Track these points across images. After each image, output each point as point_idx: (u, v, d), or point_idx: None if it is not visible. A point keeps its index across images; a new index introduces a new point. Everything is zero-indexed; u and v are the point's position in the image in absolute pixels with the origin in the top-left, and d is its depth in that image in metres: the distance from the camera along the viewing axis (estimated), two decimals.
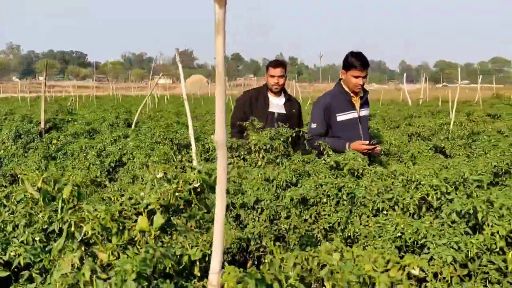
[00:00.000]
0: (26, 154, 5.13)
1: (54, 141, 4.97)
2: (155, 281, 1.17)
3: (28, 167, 4.41)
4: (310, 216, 2.55)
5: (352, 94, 3.79)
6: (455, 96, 7.78)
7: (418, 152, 5.17)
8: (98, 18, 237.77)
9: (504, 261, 1.96)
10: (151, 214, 1.27)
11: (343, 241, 2.36)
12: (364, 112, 3.88)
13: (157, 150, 3.97)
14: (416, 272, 0.95)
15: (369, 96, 4.06)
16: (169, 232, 1.28)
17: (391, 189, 2.39)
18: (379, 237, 2.18)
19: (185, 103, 3.65)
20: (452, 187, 2.34)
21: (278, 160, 3.17)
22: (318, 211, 2.56)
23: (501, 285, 1.90)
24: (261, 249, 2.63)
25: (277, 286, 1.08)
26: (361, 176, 2.88)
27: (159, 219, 1.21)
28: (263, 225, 2.70)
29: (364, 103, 3.90)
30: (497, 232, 1.90)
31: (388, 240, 2.12)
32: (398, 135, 6.34)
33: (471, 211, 1.97)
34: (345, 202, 2.54)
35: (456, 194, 2.26)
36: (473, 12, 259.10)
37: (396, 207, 2.35)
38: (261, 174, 2.94)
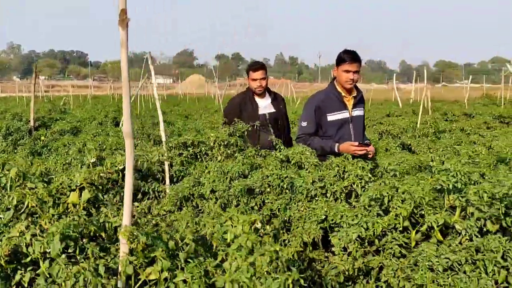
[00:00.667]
0: (15, 150, 5.44)
1: (42, 138, 5.28)
2: (81, 242, 1.48)
3: (16, 161, 4.71)
4: (256, 204, 2.87)
5: (344, 94, 3.74)
6: (432, 95, 8.07)
7: (386, 149, 5.48)
8: (98, 18, 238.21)
9: (409, 238, 2.27)
10: (82, 190, 1.58)
11: (282, 223, 2.67)
12: (357, 112, 3.80)
13: (139, 145, 4.26)
14: (258, 226, 1.26)
15: (365, 95, 4.01)
16: (96, 205, 1.60)
17: (324, 179, 2.70)
18: (309, 219, 2.49)
19: (156, 103, 3.95)
20: (376, 177, 2.65)
21: (236, 155, 3.47)
22: (263, 199, 2.87)
23: (406, 258, 2.21)
24: (212, 233, 2.94)
25: (172, 243, 1.39)
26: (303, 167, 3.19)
27: (86, 194, 1.52)
28: (216, 213, 3.01)
29: (358, 103, 3.82)
30: (400, 213, 2.22)
31: (315, 222, 2.43)
32: (371, 133, 6.65)
33: (380, 196, 2.28)
34: (287, 191, 2.85)
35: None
36: (474, 12, 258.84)
37: (328, 194, 2.66)
38: (217, 167, 3.25)
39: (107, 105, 13.52)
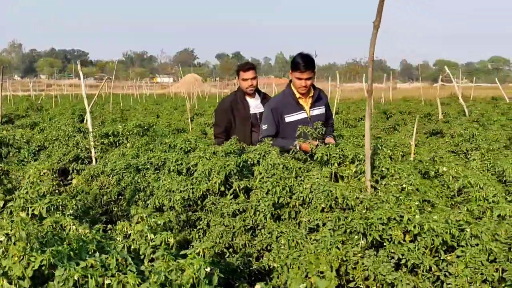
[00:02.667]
0: None
1: (4, 132, 6.21)
2: None
3: None
4: (139, 178, 3.77)
5: (299, 96, 3.81)
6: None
7: None
8: (98, 17, 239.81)
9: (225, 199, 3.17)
10: None
11: (151, 192, 3.56)
12: (316, 111, 3.87)
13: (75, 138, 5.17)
14: (44, 171, 2.16)
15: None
16: None
17: (181, 159, 3.60)
18: (162, 188, 3.37)
19: (84, 101, 4.86)
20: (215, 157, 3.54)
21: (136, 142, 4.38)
22: (144, 174, 3.78)
23: (222, 213, 3.08)
24: (110, 201, 3.85)
25: (9, 185, 2.31)
26: (189, 151, 4.08)
27: None
28: (113, 185, 3.93)
29: (316, 102, 3.87)
30: (216, 181, 3.11)
31: (164, 190, 3.31)
32: None
33: (204, 170, 3.18)
34: (163, 168, 3.75)
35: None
36: (475, 11, 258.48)
37: (184, 170, 3.56)
38: (119, 152, 4.17)
39: (76, 103, 14.39)
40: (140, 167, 3.83)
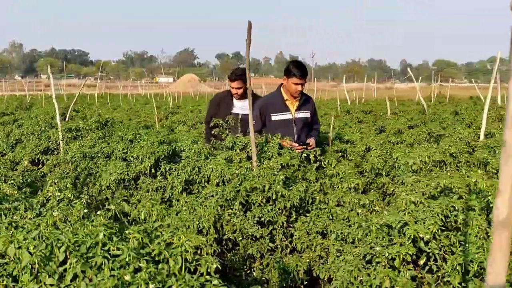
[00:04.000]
0: None
1: None
2: None
3: None
4: (92, 164, 4.45)
5: (286, 98, 4.14)
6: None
7: None
8: (98, 17, 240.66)
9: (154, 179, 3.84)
10: None
11: (100, 176, 4.24)
12: (301, 115, 4.17)
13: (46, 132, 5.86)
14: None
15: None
16: None
17: (127, 148, 4.28)
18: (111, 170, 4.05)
19: (54, 101, 5.54)
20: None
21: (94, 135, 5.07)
22: (96, 161, 4.46)
23: (148, 189, 3.74)
24: (71, 183, 4.53)
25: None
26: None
27: None
28: (72, 171, 4.62)
29: (303, 106, 4.19)
30: (148, 164, 3.78)
31: (108, 172, 3.99)
32: None
33: (137, 156, 3.86)
34: (112, 156, 4.43)
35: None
36: (475, 11, 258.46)
37: (128, 158, 4.23)
38: (78, 143, 4.85)
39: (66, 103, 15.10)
40: (93, 156, 4.52)
